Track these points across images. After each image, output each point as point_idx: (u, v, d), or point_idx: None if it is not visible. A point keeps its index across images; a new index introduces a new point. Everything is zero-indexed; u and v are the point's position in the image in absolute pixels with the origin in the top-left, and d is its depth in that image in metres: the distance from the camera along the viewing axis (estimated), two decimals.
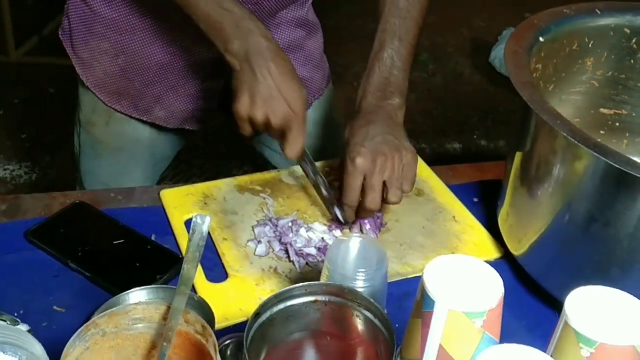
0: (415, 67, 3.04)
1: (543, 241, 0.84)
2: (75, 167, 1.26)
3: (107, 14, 1.05)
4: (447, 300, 0.53)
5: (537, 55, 0.89)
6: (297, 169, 1.03)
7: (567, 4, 0.95)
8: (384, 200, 0.90)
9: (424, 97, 2.92)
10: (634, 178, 0.69)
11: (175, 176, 2.00)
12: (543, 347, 0.56)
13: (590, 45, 0.96)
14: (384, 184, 0.89)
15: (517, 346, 0.50)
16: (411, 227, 0.97)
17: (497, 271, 0.58)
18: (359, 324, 0.63)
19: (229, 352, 0.71)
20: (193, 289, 0.82)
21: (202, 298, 0.77)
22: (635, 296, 0.57)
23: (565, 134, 0.73)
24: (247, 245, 0.91)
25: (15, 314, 0.78)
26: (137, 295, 0.77)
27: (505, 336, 0.57)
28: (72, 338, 0.57)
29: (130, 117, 1.15)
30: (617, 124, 1.03)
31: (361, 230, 0.95)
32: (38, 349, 0.59)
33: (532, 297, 0.88)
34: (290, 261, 0.89)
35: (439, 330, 0.53)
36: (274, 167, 1.16)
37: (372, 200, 0.89)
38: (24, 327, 0.76)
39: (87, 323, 0.58)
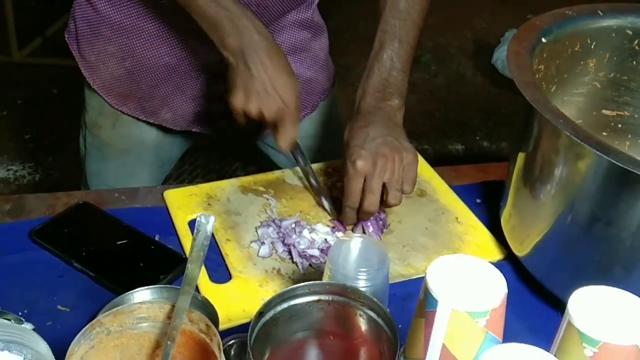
0: (418, 69, 3.04)
1: (546, 242, 0.84)
2: (80, 169, 1.26)
3: (113, 16, 1.06)
4: (450, 300, 0.53)
5: (539, 56, 0.89)
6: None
7: (569, 5, 0.95)
8: (384, 203, 0.91)
9: (426, 99, 2.93)
10: (637, 177, 0.69)
11: (180, 176, 2.00)
12: (546, 348, 0.56)
13: (592, 47, 0.96)
14: (384, 186, 0.90)
15: (521, 345, 0.50)
16: (414, 228, 0.97)
17: (500, 272, 0.58)
18: (362, 324, 0.63)
19: (232, 352, 0.71)
20: (197, 289, 0.82)
21: (205, 298, 0.77)
22: (639, 296, 0.57)
23: (568, 133, 0.73)
24: (251, 246, 0.92)
25: (20, 314, 0.79)
26: (141, 295, 0.77)
27: (508, 336, 0.57)
28: (77, 337, 0.57)
29: (137, 119, 1.15)
30: (620, 126, 1.03)
31: (363, 232, 0.95)
32: (43, 347, 0.59)
33: (535, 297, 0.88)
34: (293, 262, 0.90)
35: (442, 330, 0.53)
36: (278, 168, 1.17)
37: (370, 203, 0.90)
38: (28, 326, 0.76)
39: (92, 322, 0.58)
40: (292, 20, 1.12)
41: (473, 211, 1.01)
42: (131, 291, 0.77)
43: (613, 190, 0.74)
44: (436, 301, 0.53)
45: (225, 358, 0.68)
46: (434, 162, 1.11)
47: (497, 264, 0.93)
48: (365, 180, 0.89)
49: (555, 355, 0.54)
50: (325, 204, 0.98)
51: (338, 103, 1.29)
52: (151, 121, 1.15)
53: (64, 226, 0.93)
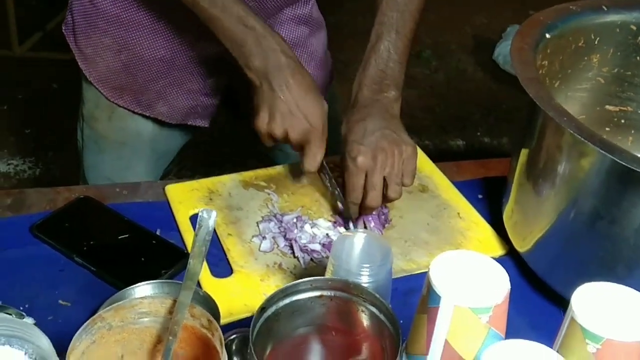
0: (418, 64, 3.04)
1: (548, 238, 0.84)
2: (78, 162, 1.26)
3: (109, 9, 1.05)
4: (453, 296, 0.53)
5: (543, 52, 0.89)
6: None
7: (572, 1, 0.95)
8: (385, 197, 0.91)
9: (426, 94, 2.92)
10: None
11: (180, 171, 2.00)
12: (547, 344, 0.56)
13: (596, 42, 0.96)
14: (384, 180, 0.89)
15: (524, 342, 0.49)
16: (415, 223, 0.97)
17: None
18: (365, 319, 0.63)
19: (234, 347, 0.71)
20: (198, 284, 0.82)
21: (207, 293, 0.77)
22: None
23: (572, 131, 0.73)
24: (252, 241, 0.91)
25: (21, 308, 0.78)
26: (143, 290, 0.77)
27: (510, 332, 0.57)
28: (78, 332, 0.57)
29: (133, 112, 1.15)
30: (623, 121, 1.03)
31: (365, 227, 0.95)
32: (45, 342, 0.59)
33: (537, 294, 0.88)
34: (295, 257, 0.89)
35: (445, 326, 0.53)
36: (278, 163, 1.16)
37: (373, 198, 0.90)
38: (29, 321, 0.76)
39: (94, 317, 0.58)
40: (290, 15, 1.11)
41: (475, 207, 1.01)
42: (132, 286, 0.77)
43: (617, 188, 0.74)
44: (439, 297, 0.53)
45: (227, 353, 0.68)
46: (435, 158, 1.11)
47: (498, 260, 0.93)
48: (366, 177, 0.89)
49: (558, 352, 0.54)
50: (359, 225, 0.95)
51: (337, 99, 1.28)
52: (147, 114, 1.15)
53: (65, 221, 0.92)
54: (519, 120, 0.91)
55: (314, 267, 0.89)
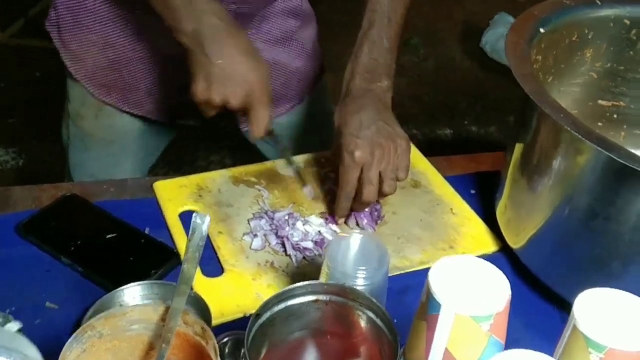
0: (407, 52, 3.02)
1: (542, 235, 0.83)
2: (64, 156, 1.23)
3: (93, 5, 1.03)
4: (454, 304, 0.51)
5: (537, 46, 0.88)
6: (294, 159, 1.02)
7: None
8: (379, 192, 0.89)
9: (414, 82, 2.91)
10: (636, 172, 0.68)
11: (166, 165, 1.97)
12: (542, 342, 0.55)
13: (590, 37, 0.95)
14: (379, 175, 0.88)
15: (526, 352, 0.49)
16: (408, 219, 0.96)
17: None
18: (361, 324, 0.62)
19: (227, 350, 0.69)
20: None
21: (198, 294, 0.75)
22: (636, 291, 0.56)
23: (568, 128, 0.72)
24: (243, 239, 0.90)
25: (7, 311, 0.76)
26: (132, 292, 0.76)
27: None
28: (69, 340, 0.55)
29: (120, 110, 1.12)
30: (615, 116, 1.02)
31: (357, 224, 0.94)
32: (32, 351, 0.57)
33: (531, 290, 0.87)
34: (287, 255, 0.88)
35: (445, 334, 0.52)
36: (267, 158, 1.15)
37: (369, 193, 0.88)
38: (16, 325, 0.74)
39: (84, 325, 0.57)
40: (280, 8, 1.09)
41: (468, 202, 1.00)
42: (121, 287, 0.76)
43: (612, 185, 0.73)
44: (439, 305, 0.52)
45: (220, 356, 0.67)
46: (424, 148, 1.10)
47: (492, 256, 0.93)
48: (362, 171, 0.87)
49: None
50: (306, 190, 0.97)
51: (327, 92, 1.27)
52: (135, 112, 1.12)
53: (51, 220, 0.90)
54: (506, 109, 0.90)
55: (307, 264, 0.88)
